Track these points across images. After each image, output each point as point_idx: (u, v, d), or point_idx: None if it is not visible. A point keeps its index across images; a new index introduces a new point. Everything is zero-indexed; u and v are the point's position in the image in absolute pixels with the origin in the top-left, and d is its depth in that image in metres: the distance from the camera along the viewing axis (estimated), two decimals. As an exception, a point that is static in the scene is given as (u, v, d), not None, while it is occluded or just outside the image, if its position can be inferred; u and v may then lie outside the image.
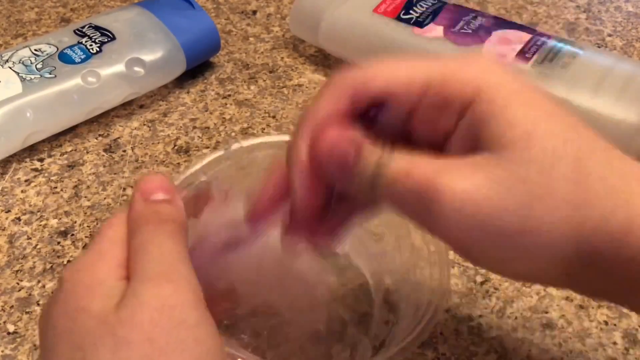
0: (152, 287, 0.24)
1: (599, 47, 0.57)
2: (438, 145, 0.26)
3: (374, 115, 0.27)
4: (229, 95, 0.52)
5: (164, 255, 0.25)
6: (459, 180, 0.23)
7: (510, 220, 0.23)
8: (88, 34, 0.49)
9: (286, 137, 0.38)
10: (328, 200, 0.28)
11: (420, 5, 0.51)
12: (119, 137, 0.48)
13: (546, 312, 0.38)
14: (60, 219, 0.42)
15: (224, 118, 0.50)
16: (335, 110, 0.26)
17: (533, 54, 0.46)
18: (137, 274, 0.25)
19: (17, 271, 0.39)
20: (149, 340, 0.23)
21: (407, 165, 0.24)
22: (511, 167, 0.23)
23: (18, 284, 0.39)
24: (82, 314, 0.24)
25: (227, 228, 0.33)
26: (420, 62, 0.26)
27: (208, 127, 0.49)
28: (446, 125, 0.25)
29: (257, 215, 0.30)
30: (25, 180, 0.45)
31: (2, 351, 0.35)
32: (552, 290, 0.39)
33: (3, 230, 0.42)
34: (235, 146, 0.37)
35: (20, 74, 0.45)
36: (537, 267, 0.24)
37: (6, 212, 0.43)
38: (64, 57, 0.47)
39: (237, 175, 0.37)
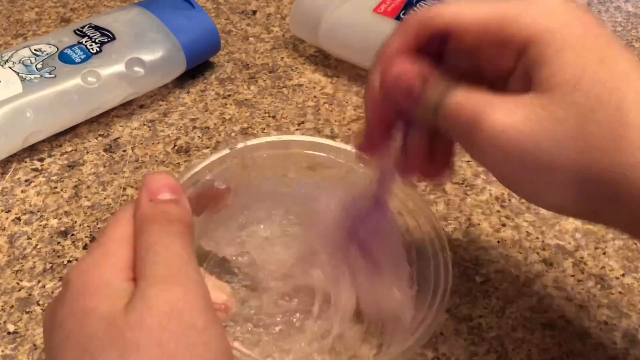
0: (161, 291, 0.24)
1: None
2: (503, 83, 0.28)
3: (442, 51, 0.29)
4: (229, 95, 0.52)
5: (172, 257, 0.25)
6: (501, 115, 0.25)
7: (542, 157, 0.25)
8: (88, 34, 0.49)
9: (290, 137, 0.39)
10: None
11: (420, 6, 0.51)
12: (119, 137, 0.48)
13: (546, 312, 0.38)
14: (60, 219, 0.42)
15: (224, 118, 0.50)
16: (404, 44, 0.28)
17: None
18: (145, 276, 0.25)
19: (17, 271, 0.39)
20: (159, 344, 0.23)
21: (464, 97, 0.26)
22: (552, 108, 0.24)
23: (18, 284, 0.39)
24: (89, 315, 0.24)
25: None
26: (484, 5, 0.27)
27: (208, 127, 0.49)
28: (507, 65, 0.27)
29: (369, 144, 0.32)
30: (26, 180, 0.45)
31: (2, 351, 0.35)
32: (552, 290, 0.39)
33: (3, 230, 0.42)
34: (240, 145, 0.37)
35: (20, 74, 0.45)
36: (567, 201, 0.26)
37: (6, 212, 0.43)
38: (64, 57, 0.47)
39: (241, 173, 0.37)
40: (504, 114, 0.25)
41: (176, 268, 0.25)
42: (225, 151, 0.37)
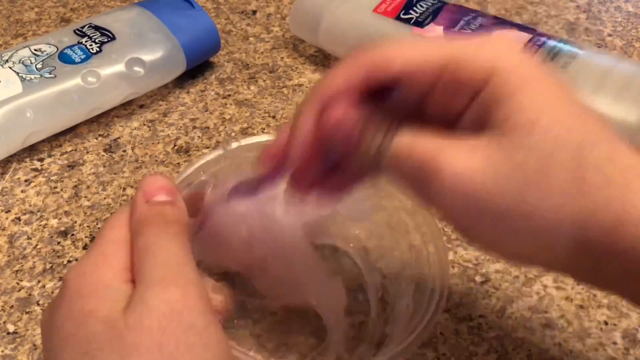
0: (160, 292, 0.24)
1: (599, 47, 0.57)
2: (449, 124, 0.27)
3: (386, 93, 0.27)
4: (229, 95, 0.52)
5: (170, 259, 0.25)
6: (458, 160, 0.24)
7: (504, 203, 0.23)
8: (88, 34, 0.49)
9: None
10: (329, 164, 0.29)
11: (420, 5, 0.51)
12: (119, 137, 0.48)
13: (546, 312, 0.38)
14: (60, 219, 0.42)
15: (224, 118, 0.50)
16: (347, 86, 0.27)
17: (533, 54, 0.46)
18: (144, 278, 0.25)
19: (17, 271, 0.39)
20: (158, 345, 0.23)
21: (411, 143, 0.25)
22: (511, 152, 0.23)
23: (18, 284, 0.39)
24: (88, 318, 0.24)
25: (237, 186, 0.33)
26: (437, 43, 0.26)
27: (208, 127, 0.49)
28: (459, 106, 0.26)
29: (269, 157, 0.30)
30: (25, 180, 0.45)
31: (2, 351, 0.35)
32: (552, 290, 0.39)
33: (3, 230, 0.42)
34: (234, 145, 0.37)
35: (20, 74, 0.45)
36: (531, 250, 0.25)
37: (6, 212, 0.43)
38: (64, 57, 0.47)
39: (235, 174, 0.37)
40: (460, 158, 0.24)
41: (174, 269, 0.25)
42: (219, 152, 0.37)
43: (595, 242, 0.23)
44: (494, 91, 0.24)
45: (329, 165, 0.29)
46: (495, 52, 0.25)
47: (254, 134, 0.49)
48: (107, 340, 0.23)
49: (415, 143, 0.25)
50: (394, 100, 0.27)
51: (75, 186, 0.45)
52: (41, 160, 0.47)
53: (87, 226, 0.42)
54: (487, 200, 0.24)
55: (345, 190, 0.30)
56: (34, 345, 0.36)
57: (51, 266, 0.40)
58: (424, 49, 0.26)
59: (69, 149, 0.47)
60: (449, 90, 0.26)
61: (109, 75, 0.47)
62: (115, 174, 0.46)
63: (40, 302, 0.38)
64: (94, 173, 0.46)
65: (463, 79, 0.25)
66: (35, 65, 0.46)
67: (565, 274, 0.26)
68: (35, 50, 0.47)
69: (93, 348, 0.23)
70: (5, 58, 0.46)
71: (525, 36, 0.47)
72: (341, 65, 0.27)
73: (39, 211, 0.43)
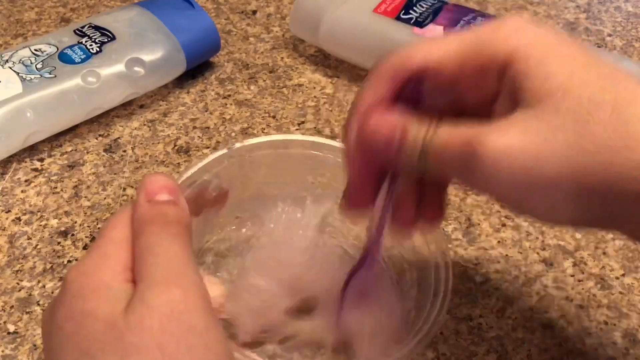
0: (161, 292, 0.24)
1: (599, 47, 0.57)
2: (486, 112, 0.27)
3: (420, 93, 0.28)
4: (229, 95, 0.52)
5: (171, 259, 0.25)
6: (497, 137, 0.24)
7: (551, 170, 0.23)
8: (88, 34, 0.49)
9: (287, 137, 0.39)
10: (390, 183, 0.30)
11: (420, 5, 0.51)
12: (119, 137, 0.48)
13: (546, 312, 0.38)
14: (60, 219, 0.42)
15: (224, 118, 0.50)
16: (379, 94, 0.27)
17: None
18: (145, 278, 0.25)
19: (17, 271, 0.39)
20: (159, 346, 0.23)
21: (451, 132, 0.26)
22: (548, 118, 0.24)
23: (18, 284, 0.39)
24: (88, 318, 0.24)
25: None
26: (454, 37, 0.27)
27: (208, 127, 0.49)
28: (490, 90, 0.26)
29: (354, 201, 0.31)
30: (25, 180, 0.45)
31: (2, 351, 0.35)
32: (552, 290, 0.39)
33: (3, 230, 0.42)
34: (238, 145, 0.37)
35: (20, 74, 0.45)
36: (582, 212, 0.25)
37: (6, 212, 0.43)
38: (64, 57, 0.47)
39: (238, 174, 0.37)
40: (499, 136, 0.24)
41: (175, 269, 0.25)
42: (223, 151, 0.37)
43: None
44: (519, 66, 0.25)
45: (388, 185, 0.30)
46: (513, 30, 0.26)
47: (254, 134, 0.49)
48: (107, 340, 0.23)
49: (455, 132, 0.25)
50: (427, 97, 0.28)
51: (76, 186, 0.45)
52: (41, 160, 0.47)
53: (87, 226, 0.42)
54: (533, 170, 0.24)
55: (440, 217, 0.31)
56: (34, 345, 0.36)
57: (51, 266, 0.40)
58: (441, 42, 0.27)
59: (69, 149, 0.47)
60: (475, 78, 0.26)
61: (109, 75, 0.47)
62: (115, 174, 0.46)
63: (41, 302, 0.38)
64: (94, 173, 0.46)
65: (486, 63, 0.26)
66: (36, 65, 0.46)
67: (614, 230, 0.26)
68: (35, 50, 0.47)
69: (93, 348, 0.23)
70: (6, 58, 0.46)
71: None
72: (368, 79, 0.28)
73: (39, 211, 0.43)
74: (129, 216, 0.27)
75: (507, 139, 0.24)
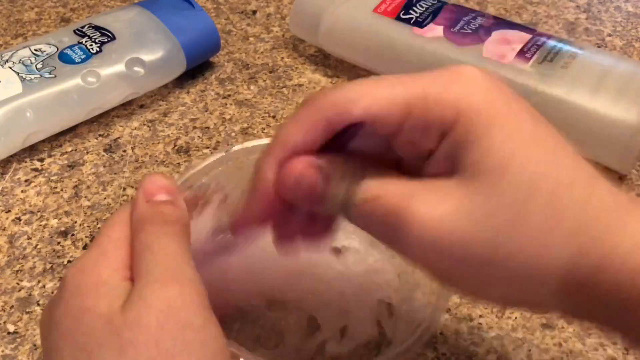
0: (158, 289, 0.24)
1: (598, 47, 0.57)
2: (417, 164, 0.26)
3: (349, 136, 0.26)
4: (229, 95, 0.52)
5: (169, 257, 0.25)
6: (427, 206, 0.23)
7: (481, 251, 0.23)
8: (88, 34, 0.49)
9: None
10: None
11: (420, 5, 0.51)
12: (119, 137, 0.48)
13: (546, 312, 0.38)
14: (60, 219, 0.42)
15: (224, 118, 0.50)
16: (307, 137, 0.25)
17: (533, 54, 0.46)
18: (143, 276, 0.25)
19: (17, 271, 0.39)
20: (155, 342, 0.23)
21: (376, 191, 0.24)
22: (483, 198, 0.22)
23: (18, 284, 0.39)
24: (86, 314, 0.24)
25: (215, 233, 0.32)
26: (400, 84, 0.25)
27: (208, 127, 0.49)
28: (427, 147, 0.25)
29: (239, 226, 0.29)
30: (25, 180, 0.45)
31: (2, 351, 0.35)
32: (552, 290, 0.39)
33: (3, 230, 0.42)
34: (236, 147, 0.37)
35: (20, 74, 0.45)
36: (516, 295, 0.24)
37: (6, 212, 0.43)
38: (64, 57, 0.47)
39: (237, 176, 0.37)
40: (429, 205, 0.23)
41: (173, 267, 0.25)
42: (221, 154, 0.37)
43: (579, 284, 0.22)
44: (462, 133, 0.23)
45: (301, 213, 0.28)
46: (464, 88, 0.24)
47: (254, 134, 0.49)
48: (104, 336, 0.23)
49: (380, 190, 0.24)
50: (359, 144, 0.26)
51: (76, 186, 0.45)
52: (41, 160, 0.47)
53: (87, 226, 0.42)
54: (461, 249, 0.23)
55: (329, 231, 0.29)
56: (34, 345, 0.36)
57: (51, 266, 0.40)
58: (387, 88, 0.25)
59: (69, 149, 0.47)
60: (416, 131, 0.24)
61: (109, 75, 0.47)
62: (115, 174, 0.46)
63: (41, 302, 0.38)
64: (94, 173, 0.46)
65: (430, 120, 0.24)
66: (35, 65, 0.46)
67: (556, 314, 0.25)
68: (35, 50, 0.47)
69: (91, 344, 0.23)
70: (5, 58, 0.46)
71: (525, 36, 0.48)
72: (300, 113, 0.26)
73: (39, 211, 0.43)
74: (127, 216, 0.27)
75: (437, 212, 0.23)
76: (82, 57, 0.47)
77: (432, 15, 0.50)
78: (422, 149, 0.25)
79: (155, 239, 0.26)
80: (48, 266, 0.40)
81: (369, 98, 0.24)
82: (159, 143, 0.48)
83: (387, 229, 0.24)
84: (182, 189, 0.34)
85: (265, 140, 0.38)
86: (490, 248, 0.22)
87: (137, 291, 0.24)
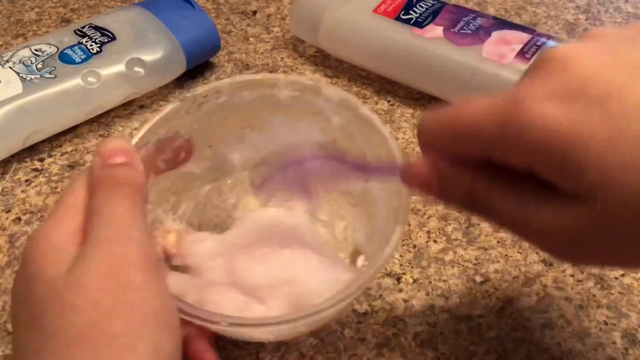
0: (101, 252, 0.25)
1: (598, 47, 0.57)
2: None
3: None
4: (229, 96, 0.52)
5: (114, 219, 0.26)
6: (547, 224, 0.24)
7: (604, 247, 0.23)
8: (88, 34, 0.49)
9: (236, 78, 0.37)
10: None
11: (420, 6, 0.51)
12: (119, 137, 0.48)
13: (546, 312, 0.38)
14: (60, 218, 0.42)
15: (224, 118, 0.50)
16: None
17: (533, 54, 0.46)
18: (89, 239, 0.25)
19: (17, 271, 0.39)
20: (94, 303, 0.24)
21: (499, 206, 0.25)
22: (598, 217, 0.22)
23: (18, 283, 0.39)
24: (36, 279, 0.25)
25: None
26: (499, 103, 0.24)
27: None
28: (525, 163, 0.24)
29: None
30: (26, 180, 0.45)
31: (3, 351, 0.35)
32: (552, 290, 0.39)
33: (3, 230, 0.42)
34: (189, 95, 0.36)
35: (20, 74, 0.45)
36: None
37: (6, 212, 0.43)
38: (64, 57, 0.47)
39: (196, 125, 0.37)
40: (549, 224, 0.23)
41: (117, 229, 0.26)
42: (175, 104, 0.35)
43: None
44: (576, 158, 0.22)
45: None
46: (570, 117, 0.22)
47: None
48: (48, 300, 0.24)
49: (500, 207, 0.25)
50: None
51: (76, 186, 0.45)
52: (41, 160, 0.47)
53: (88, 226, 0.42)
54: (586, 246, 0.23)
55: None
56: (35, 345, 0.36)
57: (51, 266, 0.40)
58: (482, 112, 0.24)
59: (70, 149, 0.47)
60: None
61: (109, 76, 0.47)
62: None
63: (41, 302, 0.38)
64: (94, 173, 0.46)
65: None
66: (36, 66, 0.46)
67: None
68: (35, 50, 0.47)
69: (37, 309, 0.24)
70: (6, 58, 0.46)
71: (525, 37, 0.48)
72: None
73: (39, 211, 0.43)
74: (84, 182, 0.28)
75: (556, 226, 0.23)
76: (83, 57, 0.47)
77: (432, 15, 0.50)
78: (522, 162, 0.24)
79: (104, 201, 0.27)
80: (48, 266, 0.40)
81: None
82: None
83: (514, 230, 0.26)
84: (141, 148, 0.33)
85: (216, 84, 0.37)
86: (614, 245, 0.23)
87: (81, 254, 0.25)
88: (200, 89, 0.36)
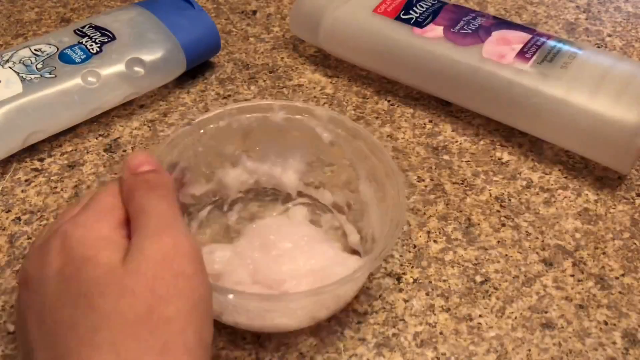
0: (154, 242, 0.27)
1: (598, 47, 0.57)
2: None
3: None
4: (229, 96, 0.52)
5: (161, 215, 0.29)
6: None
7: None
8: (88, 34, 0.49)
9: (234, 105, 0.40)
10: None
11: (420, 6, 0.51)
12: (119, 137, 0.48)
13: (546, 312, 0.38)
14: (60, 218, 0.42)
15: (224, 118, 0.50)
16: None
17: (533, 54, 0.46)
18: (140, 232, 0.28)
19: (17, 271, 0.39)
20: (151, 289, 0.26)
21: None
22: None
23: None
24: (89, 262, 0.27)
25: None
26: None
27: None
28: None
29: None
30: (26, 180, 0.45)
31: (2, 351, 0.36)
32: (551, 290, 0.39)
33: (3, 230, 0.42)
34: (197, 120, 0.39)
35: (20, 74, 0.45)
36: None
37: (6, 212, 0.43)
38: (64, 57, 0.47)
39: (200, 147, 0.40)
40: None
41: (165, 223, 0.28)
42: (185, 128, 0.39)
43: None
44: None
45: None
46: None
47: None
48: (106, 283, 0.26)
49: None
50: None
51: (76, 186, 0.45)
52: (41, 160, 0.47)
53: (87, 226, 0.42)
54: None
55: None
56: (34, 345, 0.36)
57: (51, 266, 0.40)
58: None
59: (69, 149, 0.47)
60: None
61: (109, 75, 0.47)
62: (115, 174, 0.46)
63: (41, 302, 0.38)
64: (94, 173, 0.46)
65: None
66: (36, 65, 0.46)
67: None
68: (35, 50, 0.47)
69: (92, 290, 0.26)
70: (6, 58, 0.46)
71: (525, 36, 0.48)
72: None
73: (39, 211, 0.43)
74: (116, 189, 0.31)
75: None
76: (82, 57, 0.47)
77: (432, 15, 0.50)
78: None
79: (146, 201, 0.29)
80: (48, 266, 0.40)
81: None
82: (159, 143, 0.48)
83: None
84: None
85: (220, 110, 0.40)
86: None
87: (135, 245, 0.27)
88: (205, 115, 0.40)
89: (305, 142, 0.41)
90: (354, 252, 0.40)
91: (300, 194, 0.43)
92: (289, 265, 0.36)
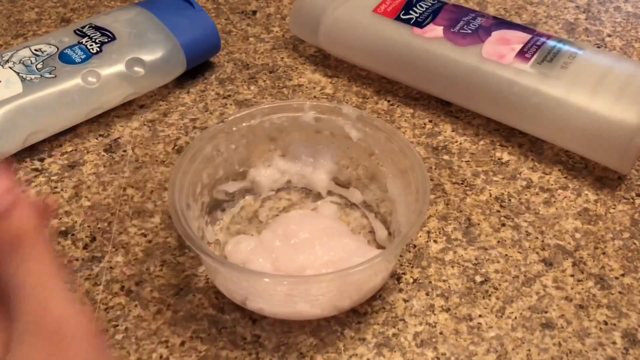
0: (37, 335, 0.23)
1: (598, 47, 0.57)
2: None
3: None
4: (229, 96, 0.52)
5: (36, 286, 0.24)
6: None
7: None
8: (88, 34, 0.49)
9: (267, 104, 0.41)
10: None
11: (420, 6, 0.51)
12: (119, 137, 0.48)
13: (546, 312, 0.38)
14: (60, 219, 0.42)
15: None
16: None
17: (533, 54, 0.46)
18: (18, 319, 0.24)
19: (17, 271, 0.39)
20: None
21: None
22: None
23: (18, 283, 0.39)
24: None
25: None
26: None
27: (208, 127, 0.49)
28: None
29: None
30: (26, 180, 0.45)
31: (3, 351, 0.35)
32: (551, 290, 0.39)
33: (3, 230, 0.42)
34: (228, 120, 0.41)
35: (20, 74, 0.45)
36: None
37: (6, 212, 0.43)
38: (64, 57, 0.47)
39: (232, 145, 0.41)
40: None
41: (44, 298, 0.24)
42: (219, 124, 0.40)
43: None
44: None
45: None
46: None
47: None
48: None
49: None
50: None
51: (76, 186, 0.45)
52: (41, 160, 0.47)
53: (88, 226, 0.42)
54: None
55: None
56: (35, 345, 0.36)
57: (51, 266, 0.40)
58: None
59: (69, 149, 0.47)
60: None
61: (109, 75, 0.47)
62: (115, 174, 0.46)
63: (41, 302, 0.38)
64: (94, 173, 0.46)
65: None
66: (36, 66, 0.46)
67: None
68: (35, 50, 0.47)
69: None
70: (6, 58, 0.46)
71: (525, 36, 0.48)
72: None
73: (39, 211, 0.43)
74: None
75: None
76: (82, 57, 0.47)
77: (432, 15, 0.50)
78: None
79: (14, 270, 0.25)
80: (48, 266, 0.40)
81: None
82: (159, 143, 0.48)
83: None
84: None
85: (252, 109, 0.41)
86: None
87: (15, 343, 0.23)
88: (237, 113, 0.41)
89: (334, 141, 0.42)
90: (381, 248, 0.41)
91: (330, 193, 0.44)
92: (308, 255, 0.37)
